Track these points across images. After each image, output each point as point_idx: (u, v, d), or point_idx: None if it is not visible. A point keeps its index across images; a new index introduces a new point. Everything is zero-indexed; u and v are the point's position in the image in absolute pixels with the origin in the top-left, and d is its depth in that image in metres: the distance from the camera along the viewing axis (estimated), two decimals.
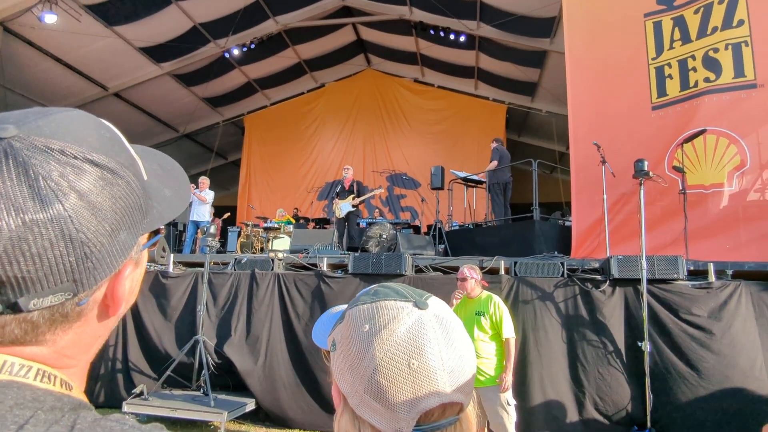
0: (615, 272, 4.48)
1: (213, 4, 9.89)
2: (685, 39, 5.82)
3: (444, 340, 0.58)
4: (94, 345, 0.50)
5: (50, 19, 8.37)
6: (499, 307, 3.59)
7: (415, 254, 5.68)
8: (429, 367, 0.56)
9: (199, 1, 9.66)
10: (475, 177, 8.75)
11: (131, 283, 0.50)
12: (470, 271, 3.73)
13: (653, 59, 5.97)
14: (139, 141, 0.62)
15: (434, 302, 0.63)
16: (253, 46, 11.21)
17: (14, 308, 0.40)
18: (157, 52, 10.62)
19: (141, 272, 0.53)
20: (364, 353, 0.58)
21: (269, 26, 11.36)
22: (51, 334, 0.44)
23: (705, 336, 4.08)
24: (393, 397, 0.56)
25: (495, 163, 7.84)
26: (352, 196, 8.08)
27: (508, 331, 3.55)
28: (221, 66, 11.79)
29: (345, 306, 0.68)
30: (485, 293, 3.71)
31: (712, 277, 4.40)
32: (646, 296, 4.20)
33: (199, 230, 8.31)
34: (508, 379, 3.49)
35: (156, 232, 0.53)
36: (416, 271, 5.18)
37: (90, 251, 0.42)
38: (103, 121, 0.47)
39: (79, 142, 0.42)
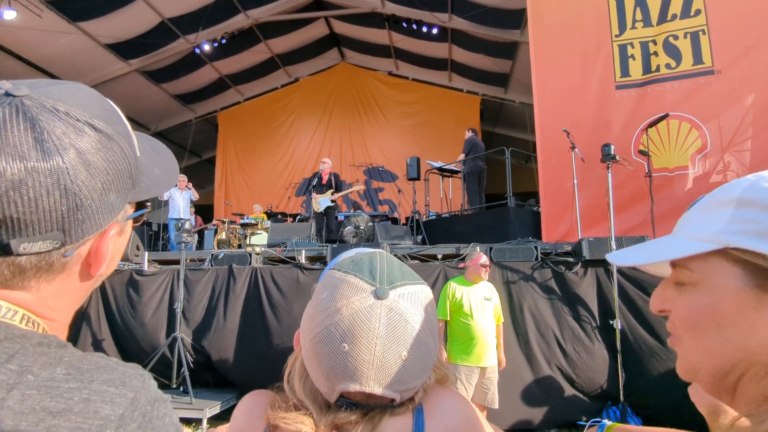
0: (586, 254, 4.62)
1: None
2: (647, 22, 6.01)
3: (386, 336, 0.57)
4: (74, 303, 0.52)
5: (9, 15, 8.07)
6: (498, 295, 3.91)
7: (393, 244, 5.74)
8: (358, 355, 0.56)
9: None
10: (450, 167, 8.85)
11: (114, 247, 0.53)
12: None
13: (617, 36, 6.14)
14: None
15: (401, 294, 0.60)
16: (224, 41, 11.05)
17: (5, 249, 0.43)
18: (125, 49, 10.35)
19: (124, 241, 0.56)
20: (315, 317, 0.60)
21: (240, 21, 11.21)
22: (36, 281, 0.47)
23: None
24: (322, 365, 0.58)
25: (463, 155, 8.01)
26: (331, 191, 8.06)
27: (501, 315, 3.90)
28: (192, 62, 11.57)
29: (361, 250, 0.68)
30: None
31: None
32: (616, 276, 4.36)
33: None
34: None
35: (141, 207, 0.56)
36: None
37: (81, 203, 0.45)
38: (106, 98, 0.52)
39: (82, 108, 0.47)
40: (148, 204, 0.59)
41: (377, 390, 0.57)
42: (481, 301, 3.69)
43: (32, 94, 0.45)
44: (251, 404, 0.68)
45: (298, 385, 0.63)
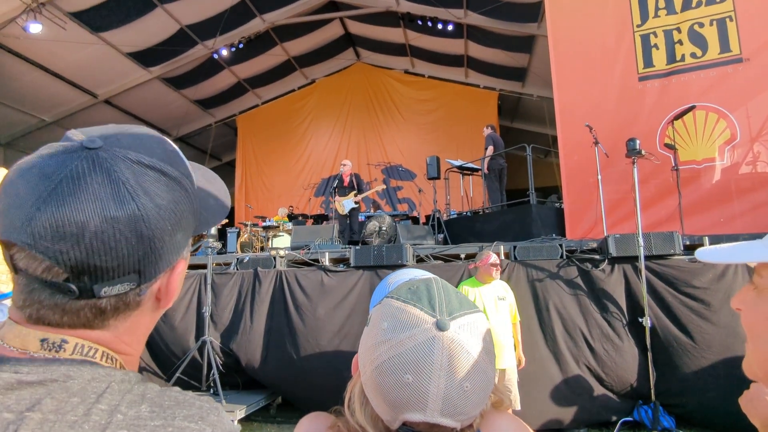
0: (613, 251, 4.54)
1: (198, 6, 9.83)
2: (670, 9, 5.86)
3: (448, 368, 0.58)
4: (145, 336, 0.55)
5: (35, 28, 8.31)
6: (513, 293, 3.85)
7: (415, 244, 5.73)
8: (421, 387, 0.57)
9: (184, 3, 9.60)
10: (470, 165, 8.80)
11: (180, 280, 0.56)
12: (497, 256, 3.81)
13: (638, 26, 5.99)
14: None
15: (461, 324, 0.61)
16: (241, 45, 11.16)
17: (89, 294, 0.46)
18: (145, 57, 10.56)
19: (185, 272, 0.58)
20: (376, 347, 0.62)
21: (256, 25, 11.32)
22: (114, 320, 0.50)
23: (703, 308, 4.16)
24: (385, 395, 0.60)
25: (491, 149, 7.87)
26: (354, 192, 8.13)
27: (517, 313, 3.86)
28: (210, 67, 11.75)
29: (414, 275, 0.70)
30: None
31: None
32: (644, 272, 4.27)
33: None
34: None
35: (200, 237, 0.59)
36: (417, 261, 5.23)
37: (154, 246, 0.48)
38: (166, 139, 0.54)
39: (150, 154, 0.49)
40: (205, 234, 0.61)
41: (440, 420, 0.58)
42: (494, 301, 3.64)
43: (105, 145, 0.47)
44: (310, 427, 0.69)
45: (358, 410, 0.64)
